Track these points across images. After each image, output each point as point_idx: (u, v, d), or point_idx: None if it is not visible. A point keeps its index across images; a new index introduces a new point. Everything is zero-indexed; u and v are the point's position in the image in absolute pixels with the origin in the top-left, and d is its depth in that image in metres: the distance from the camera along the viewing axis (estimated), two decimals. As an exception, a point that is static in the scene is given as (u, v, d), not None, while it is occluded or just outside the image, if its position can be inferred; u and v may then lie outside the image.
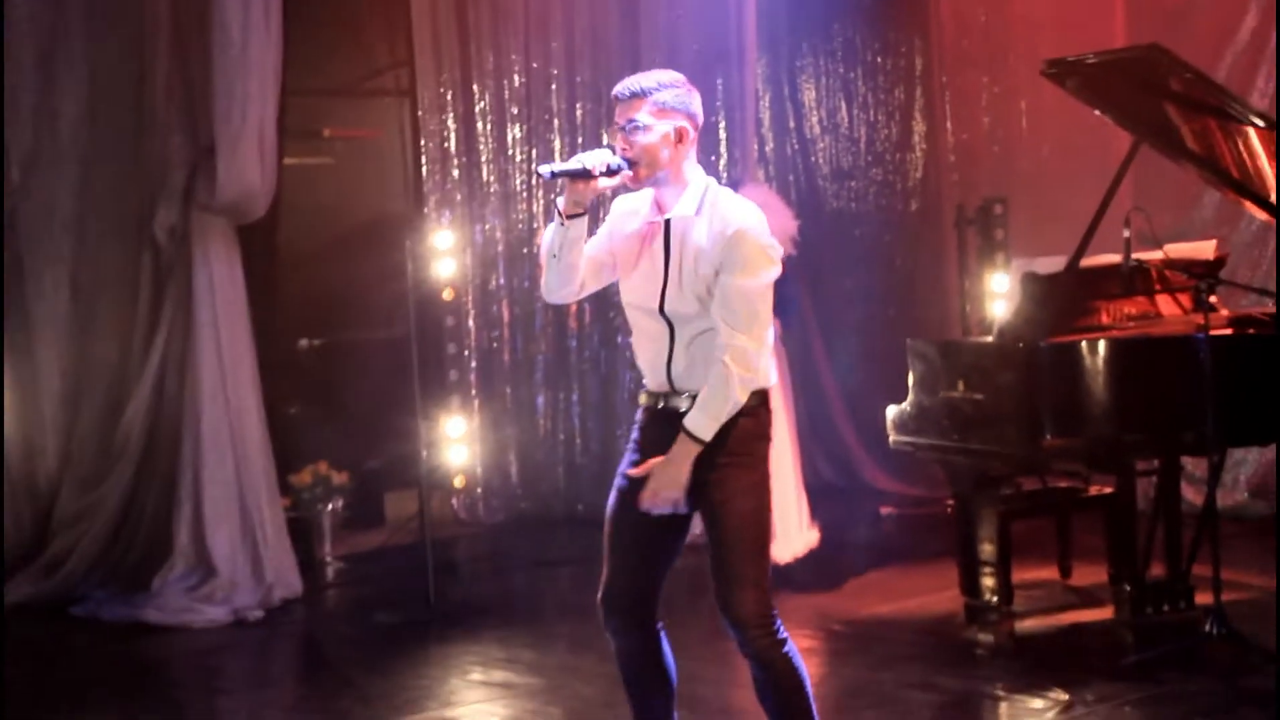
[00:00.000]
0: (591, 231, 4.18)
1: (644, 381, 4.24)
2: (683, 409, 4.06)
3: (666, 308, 4.05)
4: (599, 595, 4.24)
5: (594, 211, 4.33)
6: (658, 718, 4.30)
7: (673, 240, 4.06)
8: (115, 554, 7.46)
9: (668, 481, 3.98)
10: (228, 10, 6.99)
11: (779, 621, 4.08)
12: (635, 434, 4.24)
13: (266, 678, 6.57)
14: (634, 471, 4.09)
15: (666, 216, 4.08)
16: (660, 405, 4.14)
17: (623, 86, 4.08)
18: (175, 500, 7.27)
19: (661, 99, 4.04)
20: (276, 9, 7.16)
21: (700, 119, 4.12)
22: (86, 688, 6.17)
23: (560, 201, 4.06)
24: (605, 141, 3.97)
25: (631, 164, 4.04)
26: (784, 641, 4.07)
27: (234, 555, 7.21)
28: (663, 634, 4.25)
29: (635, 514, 4.13)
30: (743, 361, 3.96)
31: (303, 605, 7.33)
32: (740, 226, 3.98)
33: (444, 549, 8.08)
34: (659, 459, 4.00)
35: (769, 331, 4.08)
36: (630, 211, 4.19)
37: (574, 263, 4.14)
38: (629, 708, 4.35)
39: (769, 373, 4.12)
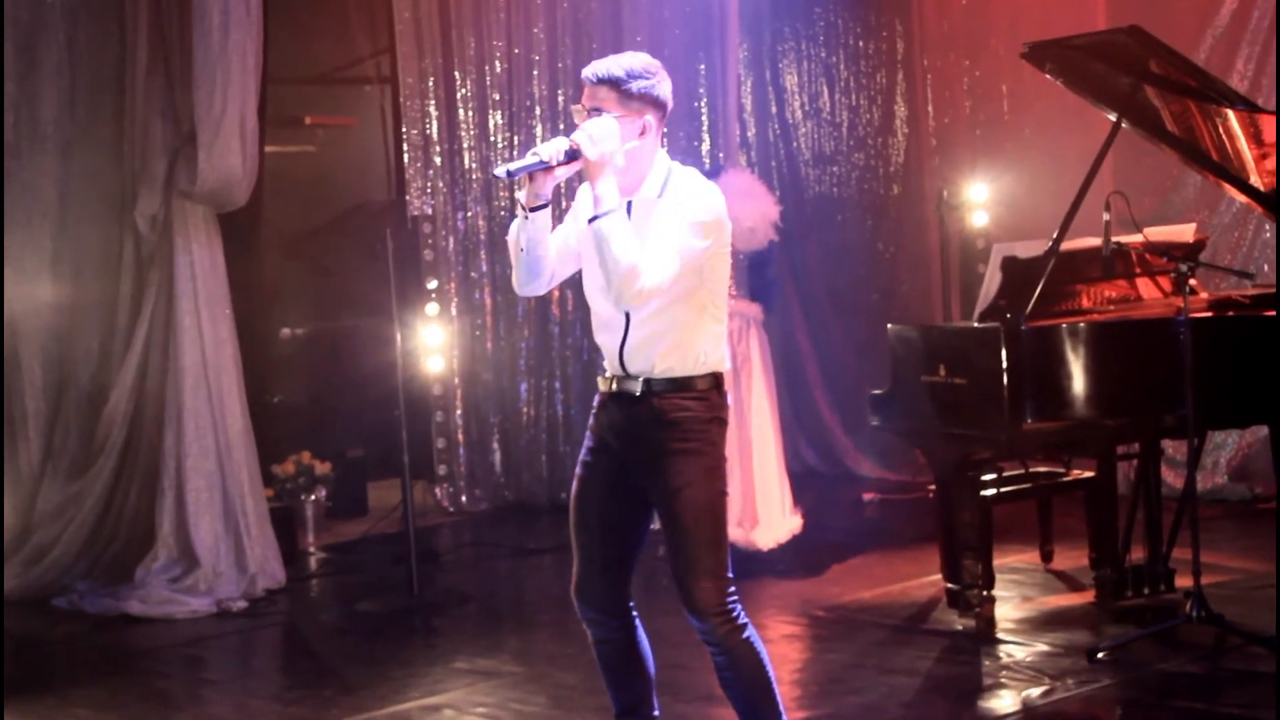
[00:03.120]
0: (558, 220, 4.18)
1: (602, 367, 4.25)
2: (635, 392, 4.07)
3: None
4: (572, 587, 4.25)
5: (557, 201, 4.28)
6: (637, 704, 4.31)
7: (634, 222, 4.03)
8: (98, 545, 7.44)
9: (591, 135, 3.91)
10: (209, -5, 6.97)
11: (739, 608, 4.08)
12: (591, 420, 4.25)
13: (250, 668, 6.56)
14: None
15: (628, 200, 4.05)
16: (614, 389, 4.15)
17: (591, 70, 4.05)
18: (158, 490, 7.25)
19: (629, 89, 4.01)
20: (257, -5, 7.15)
21: (669, 104, 4.10)
22: (70, 679, 6.15)
23: (522, 195, 4.04)
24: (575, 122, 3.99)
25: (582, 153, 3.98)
26: (744, 627, 4.08)
27: (217, 545, 7.20)
28: (637, 621, 4.26)
29: (600, 501, 4.16)
30: (643, 275, 3.87)
31: (286, 595, 7.33)
32: (694, 197, 3.99)
33: (427, 538, 8.09)
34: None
35: (712, 311, 4.04)
36: (589, 203, 4.17)
37: (542, 254, 4.13)
38: (609, 696, 4.35)
39: (719, 356, 4.12)
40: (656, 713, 4.33)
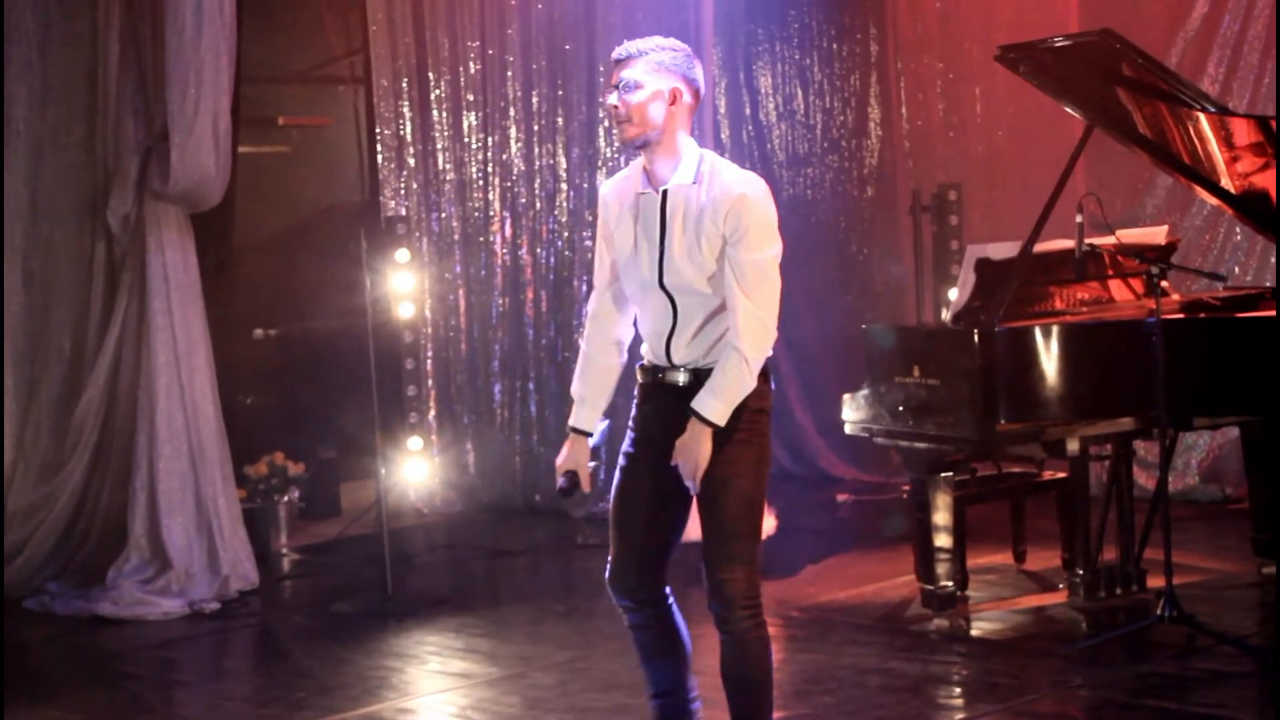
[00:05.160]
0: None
1: (640, 356, 4.26)
2: (680, 382, 4.11)
3: (666, 280, 4.07)
4: (607, 575, 4.25)
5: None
6: (672, 689, 4.31)
7: (670, 211, 4.06)
8: (70, 546, 7.40)
9: (693, 461, 4.02)
10: (182, -5, 6.95)
11: (762, 609, 4.11)
12: (633, 410, 4.27)
13: (223, 669, 6.55)
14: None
15: (664, 187, 4.07)
16: (656, 379, 4.17)
17: (620, 49, 4.09)
18: (130, 491, 7.22)
19: (658, 59, 4.05)
20: (230, -6, 7.13)
21: (700, 87, 4.12)
22: (42, 682, 6.13)
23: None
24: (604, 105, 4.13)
25: (621, 124, 4.05)
26: (762, 624, 4.11)
27: (189, 547, 7.17)
28: (673, 604, 4.25)
29: (646, 493, 4.18)
30: (754, 339, 3.99)
31: (259, 596, 7.30)
32: (744, 192, 4.00)
33: (401, 539, 8.07)
34: (682, 445, 4.04)
35: (778, 304, 4.09)
36: (617, 192, 4.20)
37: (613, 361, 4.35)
38: (645, 679, 4.34)
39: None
40: (693, 694, 4.32)
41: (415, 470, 8.18)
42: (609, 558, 4.25)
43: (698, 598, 4.20)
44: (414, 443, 8.24)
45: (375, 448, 7.26)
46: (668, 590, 4.28)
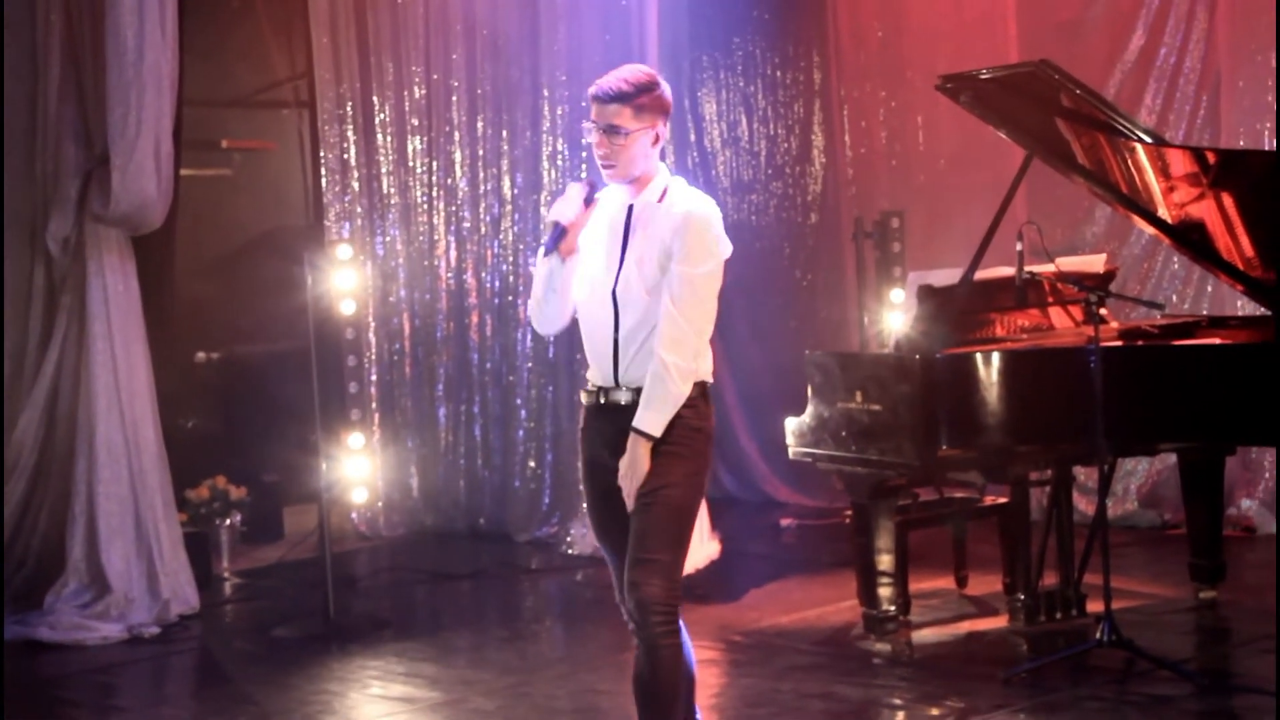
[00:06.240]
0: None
1: (585, 378, 4.33)
2: (623, 402, 4.16)
3: (618, 289, 4.16)
4: (617, 598, 4.27)
5: (526, 235, 4.35)
6: (685, 709, 4.31)
7: (633, 226, 4.18)
8: (7, 570, 7.32)
9: (635, 478, 4.08)
10: (122, 17, 6.90)
11: (679, 621, 4.14)
12: (580, 437, 4.33)
13: (163, 695, 6.49)
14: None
15: (630, 203, 4.19)
16: (601, 401, 4.24)
17: (602, 88, 4.16)
18: (69, 515, 7.15)
19: (641, 103, 4.14)
20: (173, 16, 7.09)
21: (670, 109, 4.24)
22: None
23: (547, 239, 4.21)
24: (583, 140, 4.18)
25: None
26: (675, 635, 4.13)
27: (129, 571, 7.11)
28: (682, 624, 4.26)
29: (611, 518, 4.22)
30: (676, 347, 4.08)
31: (200, 621, 7.26)
32: (690, 210, 4.13)
33: (344, 563, 8.03)
34: (624, 464, 4.09)
35: (710, 324, 4.18)
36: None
37: (568, 294, 4.28)
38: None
39: (707, 367, 4.22)
40: (698, 715, 4.37)
41: (357, 468, 8.12)
42: (614, 584, 4.30)
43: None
44: (355, 440, 8.18)
45: (317, 446, 7.21)
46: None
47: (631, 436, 4.08)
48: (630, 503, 4.10)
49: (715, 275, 4.15)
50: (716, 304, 4.20)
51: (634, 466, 4.09)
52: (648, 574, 4.07)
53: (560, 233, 4.18)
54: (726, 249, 4.18)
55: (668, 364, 4.06)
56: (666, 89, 4.21)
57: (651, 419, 4.08)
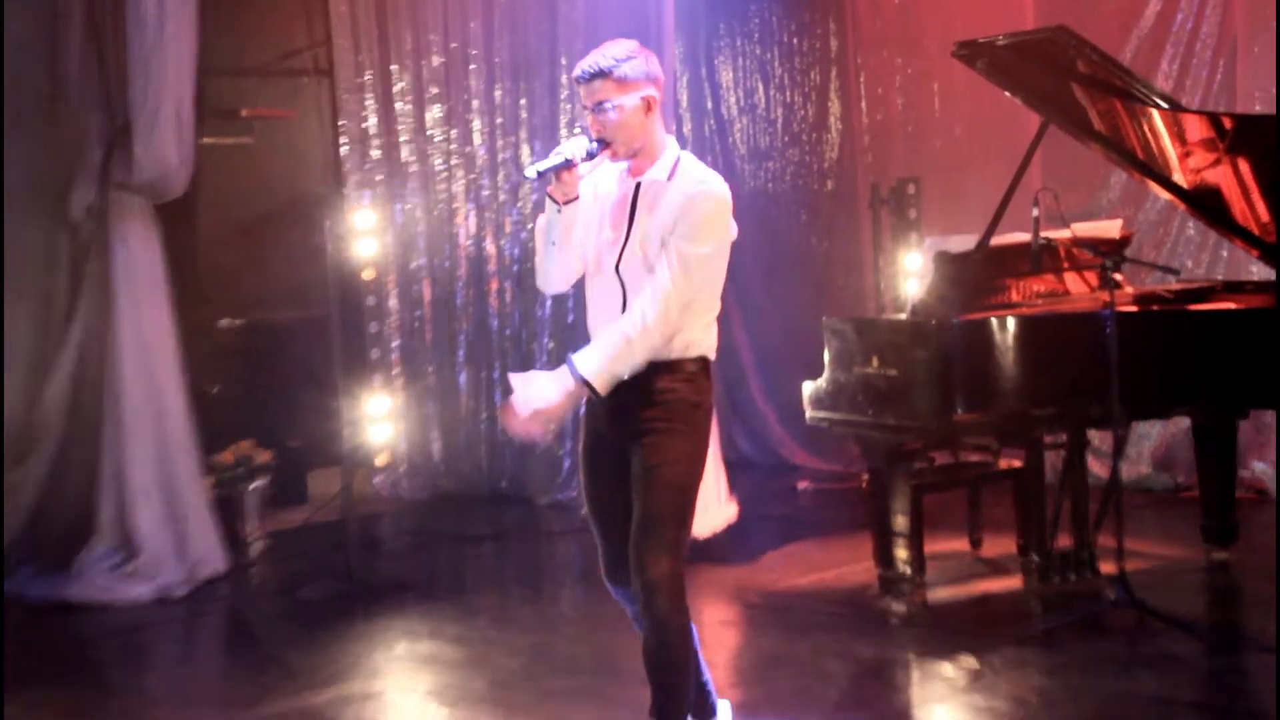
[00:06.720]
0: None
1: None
2: (625, 377, 4.15)
3: (621, 266, 4.13)
4: (601, 571, 4.33)
5: (544, 203, 4.39)
6: None
7: (640, 203, 4.14)
8: (38, 533, 7.40)
9: (531, 398, 4.04)
10: (143, -13, 6.96)
11: (686, 597, 4.15)
12: (582, 410, 4.32)
13: (191, 655, 6.57)
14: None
15: (638, 180, 4.16)
16: None
17: (581, 68, 4.13)
18: (97, 480, 7.23)
19: (622, 73, 4.09)
20: (193, -13, 7.15)
21: (663, 79, 4.19)
22: (10, 667, 6.12)
23: (551, 191, 4.16)
24: (578, 130, 4.13)
25: (606, 143, 4.12)
26: (683, 612, 4.14)
27: (157, 534, 7.19)
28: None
29: (607, 491, 4.25)
30: (654, 311, 4.03)
31: (227, 583, 7.34)
32: (700, 190, 4.08)
33: (367, 525, 8.12)
34: (528, 397, 4.05)
35: (705, 301, 4.14)
36: (605, 178, 4.28)
37: (571, 248, 4.23)
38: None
39: (710, 343, 4.21)
40: (706, 673, 4.40)
41: (379, 432, 8.21)
42: (600, 555, 4.33)
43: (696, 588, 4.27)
44: (377, 405, 8.27)
45: (340, 411, 7.28)
46: None
47: (562, 368, 4.06)
48: (515, 427, 4.07)
49: (713, 258, 4.10)
50: (717, 285, 4.15)
51: (544, 386, 4.05)
52: (653, 554, 4.08)
53: (562, 165, 4.09)
54: (731, 233, 4.14)
55: (638, 329, 4.03)
56: (649, 57, 4.14)
57: (594, 367, 4.04)
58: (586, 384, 4.05)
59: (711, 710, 4.51)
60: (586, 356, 4.07)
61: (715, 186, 4.11)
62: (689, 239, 4.06)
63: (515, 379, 4.18)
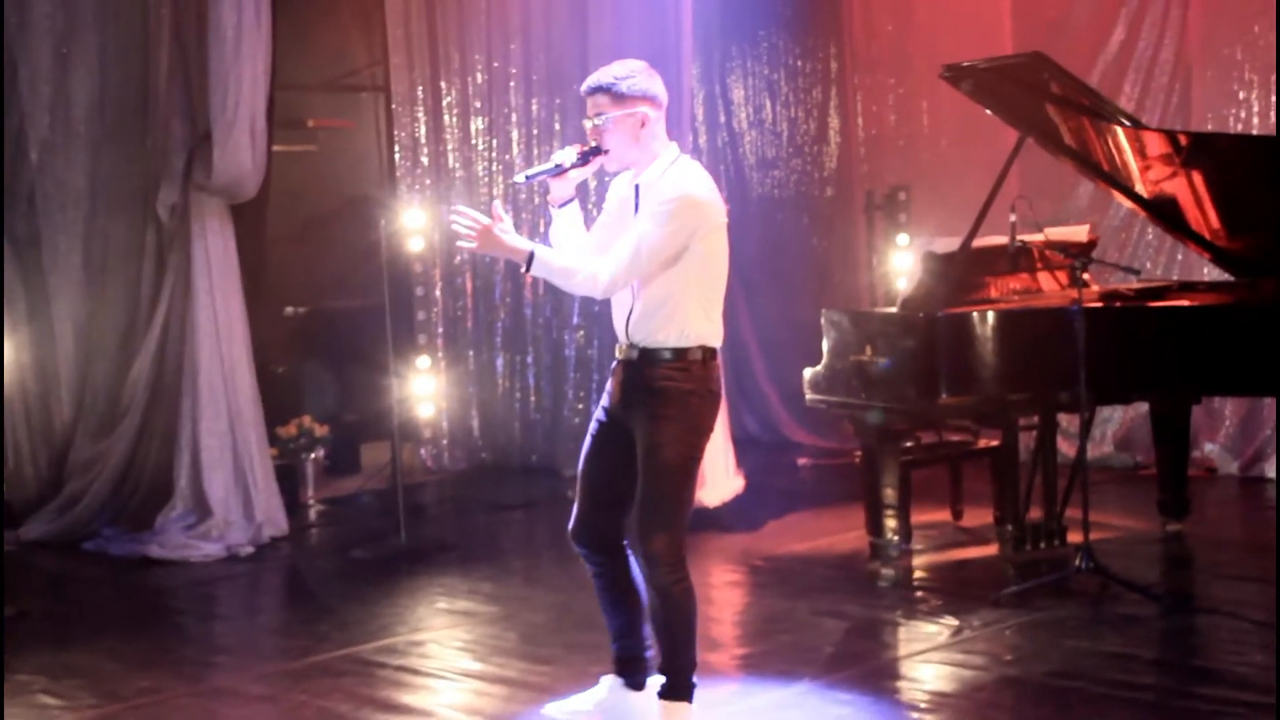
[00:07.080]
0: (590, 218, 4.25)
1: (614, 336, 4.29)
2: (631, 358, 4.10)
3: None
4: (569, 527, 4.27)
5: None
6: (628, 630, 4.35)
7: (640, 201, 4.10)
8: (122, 496, 7.42)
9: (486, 239, 4.00)
10: (223, 10, 6.94)
11: (685, 566, 4.10)
12: (608, 382, 4.28)
13: (257, 605, 6.59)
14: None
15: (636, 182, 4.13)
16: (620, 356, 4.20)
17: (586, 84, 4.10)
18: (176, 449, 7.23)
19: (620, 90, 4.04)
20: (267, 10, 7.11)
21: (662, 99, 4.10)
22: (98, 615, 6.16)
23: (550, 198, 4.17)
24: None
25: (601, 151, 4.07)
26: (683, 579, 4.09)
27: (228, 498, 7.19)
28: (630, 557, 4.26)
29: (605, 455, 4.20)
30: (606, 281, 4.02)
31: (289, 542, 7.32)
32: (671, 185, 4.02)
33: (413, 494, 8.09)
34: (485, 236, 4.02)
35: (703, 295, 4.07)
36: (620, 184, 4.26)
37: (573, 247, 4.17)
38: (605, 622, 4.38)
39: (710, 332, 4.14)
40: (648, 641, 4.34)
41: (425, 409, 8.18)
42: (572, 513, 4.27)
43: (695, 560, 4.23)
44: (423, 384, 8.23)
45: (390, 389, 7.26)
46: (625, 544, 4.28)
47: (534, 244, 4.05)
48: (473, 234, 4.02)
49: (662, 248, 3.98)
50: (716, 281, 4.09)
51: (500, 238, 4.02)
52: (652, 530, 4.04)
53: (552, 170, 4.06)
54: (685, 235, 3.99)
55: (588, 275, 4.03)
56: (652, 77, 4.07)
57: (544, 264, 4.03)
58: (528, 261, 4.04)
59: (643, 683, 4.41)
60: (549, 255, 4.07)
61: (693, 188, 4.03)
62: (648, 219, 4.00)
63: (501, 220, 4.08)
